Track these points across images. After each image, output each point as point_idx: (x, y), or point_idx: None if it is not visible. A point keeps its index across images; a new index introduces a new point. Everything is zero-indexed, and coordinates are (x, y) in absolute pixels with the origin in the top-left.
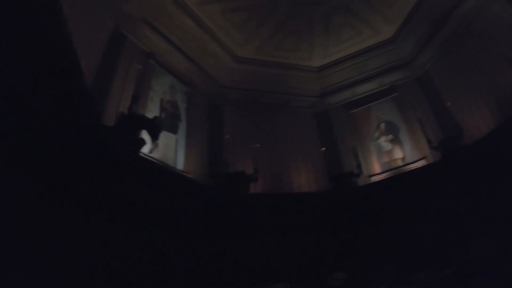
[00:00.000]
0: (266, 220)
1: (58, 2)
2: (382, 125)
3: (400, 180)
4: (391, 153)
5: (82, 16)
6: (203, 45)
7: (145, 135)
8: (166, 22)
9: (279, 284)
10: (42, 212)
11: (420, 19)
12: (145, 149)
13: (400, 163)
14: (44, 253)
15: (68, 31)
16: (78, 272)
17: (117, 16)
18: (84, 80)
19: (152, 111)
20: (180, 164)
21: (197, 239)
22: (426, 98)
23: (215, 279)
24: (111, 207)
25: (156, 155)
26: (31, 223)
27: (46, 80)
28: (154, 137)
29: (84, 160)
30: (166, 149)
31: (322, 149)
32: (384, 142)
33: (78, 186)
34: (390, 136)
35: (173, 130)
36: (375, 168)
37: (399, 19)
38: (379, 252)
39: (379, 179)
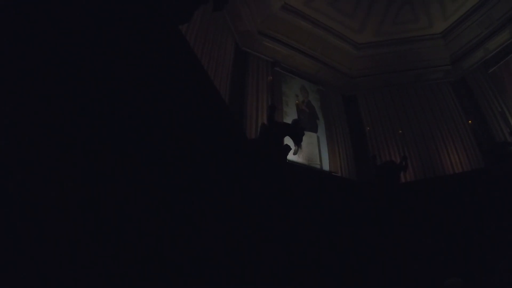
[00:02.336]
0: (422, 209)
1: (185, 41)
2: None
3: None
4: None
5: (206, 43)
6: (321, 41)
7: (288, 140)
8: (281, 29)
9: None
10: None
11: None
12: (290, 154)
13: None
14: None
15: (199, 62)
16: None
17: (235, 36)
18: (223, 102)
19: (289, 115)
20: (325, 164)
21: (362, 236)
22: None
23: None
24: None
25: (301, 157)
26: None
27: (191, 108)
28: (298, 141)
29: (235, 176)
30: (310, 148)
31: (469, 121)
32: None
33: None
34: None
35: (313, 129)
36: None
37: None
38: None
39: None
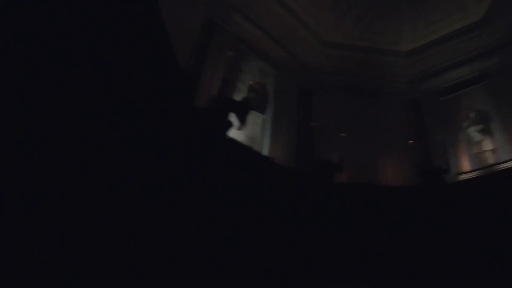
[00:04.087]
0: (350, 212)
1: None
2: (472, 114)
3: (493, 180)
4: (481, 144)
5: (176, 4)
6: (292, 30)
7: (233, 117)
8: (255, 8)
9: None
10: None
11: None
12: (234, 130)
13: (490, 155)
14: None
15: (161, 18)
16: None
17: (209, 4)
18: (177, 62)
19: (242, 92)
20: (266, 148)
21: (281, 225)
22: None
23: (292, 268)
24: (195, 188)
25: (243, 135)
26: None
27: (141, 63)
28: (243, 118)
29: (173, 140)
30: (254, 129)
31: (410, 142)
32: (473, 132)
33: (165, 162)
34: (481, 126)
35: (261, 110)
36: (464, 165)
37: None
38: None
39: (468, 177)
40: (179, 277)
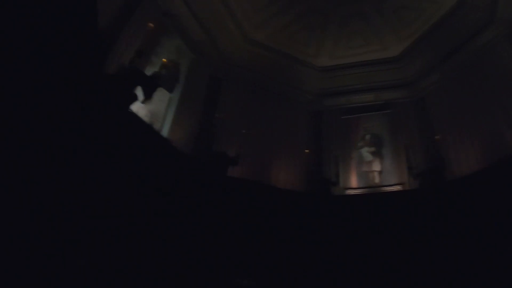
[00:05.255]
0: (237, 206)
1: None
2: (368, 136)
3: (375, 199)
4: (370, 165)
5: None
6: (219, 18)
7: (140, 90)
8: None
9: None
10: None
11: (431, 44)
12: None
13: (377, 176)
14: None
15: None
16: None
17: None
18: (96, 22)
19: (154, 66)
20: (167, 127)
21: (164, 207)
22: (417, 124)
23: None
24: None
25: (146, 109)
26: None
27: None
28: (148, 93)
29: (71, 99)
30: (158, 106)
31: (307, 150)
32: (366, 152)
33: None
34: (373, 148)
35: (169, 88)
36: (352, 181)
37: (410, 40)
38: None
39: (354, 193)
40: None
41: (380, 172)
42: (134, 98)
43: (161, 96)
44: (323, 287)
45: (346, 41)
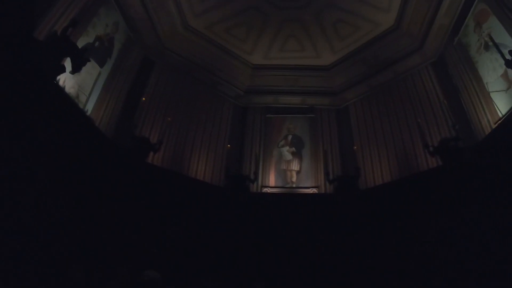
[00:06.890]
0: (153, 193)
1: None
2: (290, 137)
3: (291, 199)
4: (289, 164)
5: None
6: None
7: (68, 62)
8: None
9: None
10: None
11: (360, 60)
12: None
13: (294, 175)
14: None
15: None
16: None
17: None
18: None
19: (89, 37)
20: (91, 103)
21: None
22: (337, 131)
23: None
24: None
25: (74, 80)
26: None
27: None
28: (77, 67)
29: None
30: (86, 79)
31: (228, 145)
32: (286, 151)
33: None
34: (293, 149)
35: (100, 63)
36: (271, 180)
37: (342, 53)
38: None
39: (271, 191)
40: None
41: (298, 172)
42: (62, 70)
43: (91, 68)
44: (227, 279)
45: (282, 43)
